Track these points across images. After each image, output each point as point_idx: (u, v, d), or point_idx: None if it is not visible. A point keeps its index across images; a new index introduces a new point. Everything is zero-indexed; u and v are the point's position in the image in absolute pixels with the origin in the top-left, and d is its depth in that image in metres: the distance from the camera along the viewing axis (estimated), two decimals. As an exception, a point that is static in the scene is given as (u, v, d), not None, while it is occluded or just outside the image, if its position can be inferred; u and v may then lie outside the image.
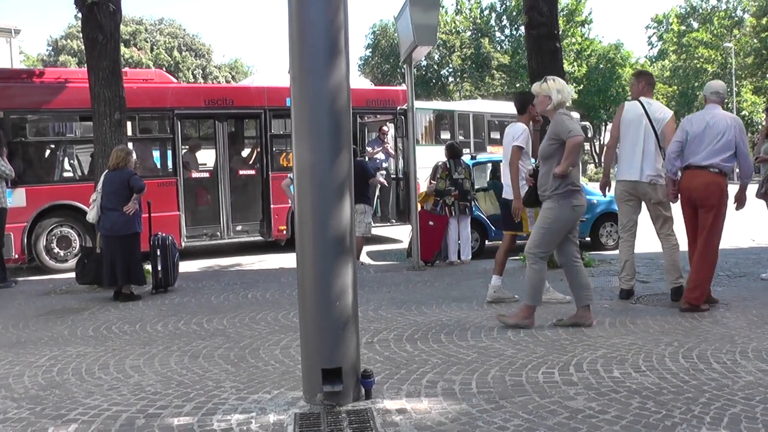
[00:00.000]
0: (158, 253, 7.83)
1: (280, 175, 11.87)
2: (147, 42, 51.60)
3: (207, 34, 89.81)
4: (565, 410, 3.49)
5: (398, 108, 12.42)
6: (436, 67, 52.37)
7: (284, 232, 11.95)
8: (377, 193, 11.42)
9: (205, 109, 11.69)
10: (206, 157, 12.68)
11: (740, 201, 6.00)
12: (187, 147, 12.03)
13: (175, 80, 13.45)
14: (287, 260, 10.44)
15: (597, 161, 57.58)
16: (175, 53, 52.06)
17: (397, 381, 4.08)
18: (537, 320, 5.61)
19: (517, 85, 48.06)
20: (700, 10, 55.48)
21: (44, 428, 3.53)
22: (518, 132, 6.30)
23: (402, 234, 12.96)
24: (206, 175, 12.14)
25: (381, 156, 12.82)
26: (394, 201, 13.06)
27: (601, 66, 54.14)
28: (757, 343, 4.66)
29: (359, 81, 17.56)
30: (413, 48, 8.73)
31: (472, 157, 11.70)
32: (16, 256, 10.25)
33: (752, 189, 6.27)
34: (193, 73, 51.97)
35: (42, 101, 10.69)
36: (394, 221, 13.06)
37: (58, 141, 11.33)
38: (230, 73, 55.86)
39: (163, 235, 8.05)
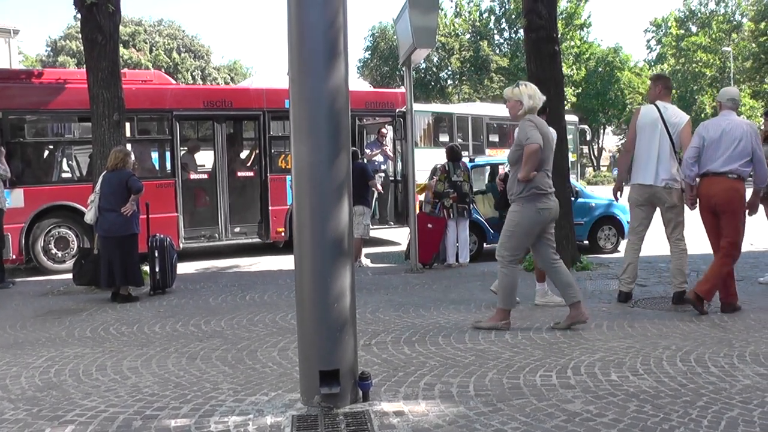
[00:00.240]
0: (156, 254, 7.82)
1: (279, 177, 11.90)
2: (146, 43, 51.59)
3: (206, 36, 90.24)
4: (562, 413, 3.49)
5: (397, 110, 12.44)
6: (435, 69, 52.42)
7: (282, 233, 11.95)
8: (375, 195, 11.41)
9: (204, 110, 11.69)
10: (205, 158, 12.68)
11: (753, 206, 6.05)
12: (185, 148, 12.02)
13: (173, 81, 13.46)
14: (285, 262, 10.43)
15: (595, 164, 57.69)
16: (174, 54, 52.06)
17: (394, 383, 4.08)
18: (535, 323, 5.62)
19: (516, 88, 48.05)
20: (699, 14, 55.63)
21: (41, 429, 3.52)
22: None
23: (400, 236, 12.97)
24: (205, 176, 12.14)
25: (379, 158, 12.84)
26: (393, 203, 13.07)
27: (600, 69, 54.26)
28: (754, 347, 4.67)
29: (358, 83, 17.56)
30: (412, 50, 8.74)
31: (471, 160, 11.70)
32: (14, 257, 10.23)
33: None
34: (192, 75, 51.98)
35: (41, 102, 10.68)
36: (392, 223, 13.07)
37: (57, 142, 11.32)
38: (229, 74, 55.87)
39: (161, 236, 8.04)
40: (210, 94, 12.66)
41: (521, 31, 32.29)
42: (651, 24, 60.66)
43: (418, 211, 9.70)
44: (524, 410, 3.55)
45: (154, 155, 12.14)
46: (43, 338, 5.73)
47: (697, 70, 51.75)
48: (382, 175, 12.74)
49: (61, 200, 10.58)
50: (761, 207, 7.52)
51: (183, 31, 55.51)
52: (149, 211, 8.35)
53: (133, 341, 5.51)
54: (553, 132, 5.97)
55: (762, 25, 40.05)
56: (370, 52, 56.14)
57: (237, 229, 12.01)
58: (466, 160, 10.77)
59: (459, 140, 19.27)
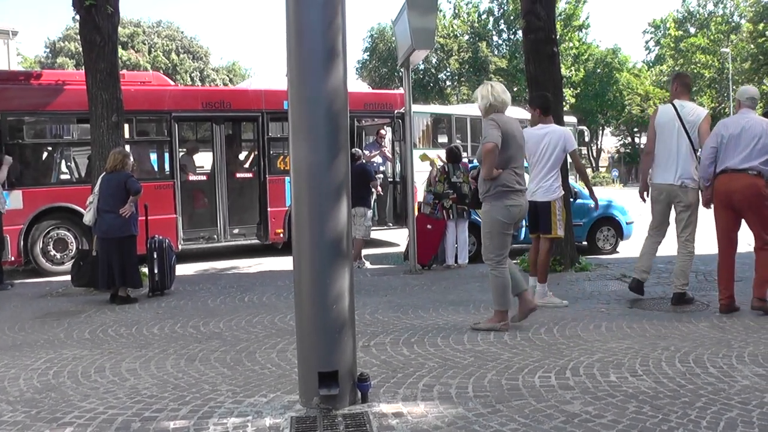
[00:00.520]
0: (155, 255, 7.81)
1: (278, 178, 11.90)
2: (145, 44, 51.55)
3: (205, 37, 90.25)
4: (561, 414, 3.49)
5: (396, 111, 12.44)
6: (433, 70, 52.46)
7: (281, 235, 11.95)
8: (374, 196, 11.43)
9: (203, 111, 11.69)
10: (203, 159, 12.67)
11: None
12: (184, 150, 12.02)
13: (172, 83, 13.45)
14: (284, 263, 10.43)
15: (594, 166, 57.72)
16: (173, 56, 52.02)
17: (393, 385, 4.08)
18: (534, 324, 5.62)
19: (515, 89, 48.14)
20: (697, 16, 55.68)
21: (39, 431, 3.52)
22: (570, 135, 6.40)
23: (399, 237, 12.96)
24: (203, 177, 12.13)
25: (378, 159, 12.83)
26: (392, 204, 13.07)
27: (599, 70, 54.33)
28: (753, 348, 4.67)
29: (357, 84, 17.53)
30: (411, 52, 8.75)
31: (470, 161, 11.70)
32: (13, 259, 10.22)
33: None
34: (190, 76, 51.94)
35: (39, 103, 10.68)
36: (391, 224, 13.07)
37: (56, 143, 11.32)
38: (228, 75, 55.83)
39: (160, 237, 8.04)
40: (209, 95, 12.67)
41: (520, 32, 32.36)
42: (650, 25, 60.79)
43: (417, 212, 9.70)
44: (523, 411, 3.55)
45: (153, 156, 12.14)
46: (42, 340, 5.72)
47: (695, 71, 51.76)
48: (381, 176, 12.74)
49: (60, 202, 10.57)
50: None
51: (182, 33, 55.46)
52: (148, 212, 8.35)
53: (132, 343, 5.50)
54: (552, 131, 6.01)
55: (760, 27, 40.06)
56: (368, 53, 56.15)
57: (236, 231, 12.00)
58: (465, 160, 10.76)
59: (458, 141, 19.27)
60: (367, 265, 10.22)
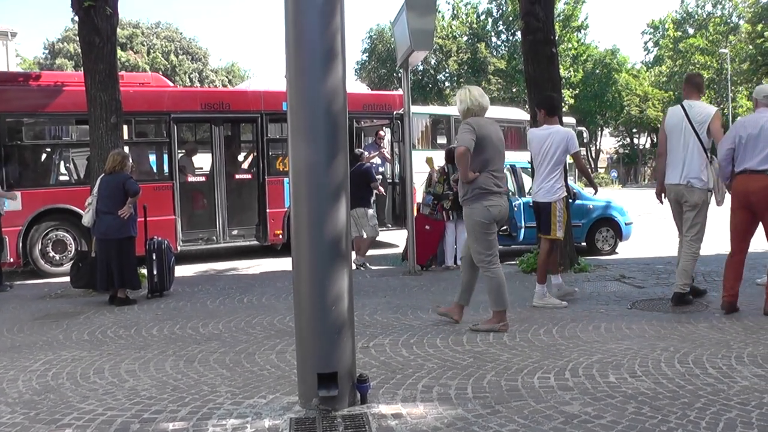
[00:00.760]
0: (154, 257, 7.81)
1: (277, 179, 11.90)
2: (144, 45, 51.55)
3: (204, 38, 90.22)
4: (560, 415, 3.49)
5: (395, 112, 12.45)
6: (432, 71, 52.46)
7: (280, 236, 11.95)
8: (373, 198, 11.44)
9: (202, 112, 11.70)
10: (202, 161, 12.67)
11: None
12: (183, 151, 12.02)
13: (171, 84, 13.46)
14: (283, 264, 10.43)
15: (593, 166, 57.73)
16: (172, 57, 52.02)
17: (392, 386, 4.08)
18: (533, 325, 5.62)
19: (514, 90, 48.18)
20: (696, 16, 55.73)
21: (38, 433, 3.52)
22: (573, 137, 6.40)
23: (398, 238, 12.96)
24: (202, 179, 12.13)
25: (377, 160, 12.83)
26: (391, 205, 13.07)
27: (598, 71, 54.34)
28: (752, 348, 4.67)
29: (356, 85, 17.53)
30: (410, 53, 8.75)
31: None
32: (12, 260, 10.21)
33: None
34: (189, 77, 51.95)
35: (38, 104, 10.68)
36: (390, 226, 13.08)
37: (54, 144, 11.31)
38: (227, 77, 55.85)
39: (159, 239, 8.04)
40: (208, 96, 12.66)
41: (518, 33, 32.38)
42: (648, 26, 60.80)
43: (416, 212, 9.70)
44: (522, 412, 3.55)
45: (152, 158, 12.14)
46: (41, 341, 5.72)
47: (694, 71, 51.79)
48: (380, 177, 12.74)
49: (59, 203, 10.56)
50: None
51: (180, 34, 55.46)
52: (147, 213, 8.34)
53: (131, 344, 5.50)
54: (555, 132, 6.04)
55: (759, 27, 40.08)
56: (367, 54, 56.15)
57: (235, 232, 12.01)
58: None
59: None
60: (367, 265, 10.22)
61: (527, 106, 12.11)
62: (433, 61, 50.87)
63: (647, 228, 14.72)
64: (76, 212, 10.07)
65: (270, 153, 12.10)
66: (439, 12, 47.70)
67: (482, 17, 52.36)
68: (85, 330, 6.13)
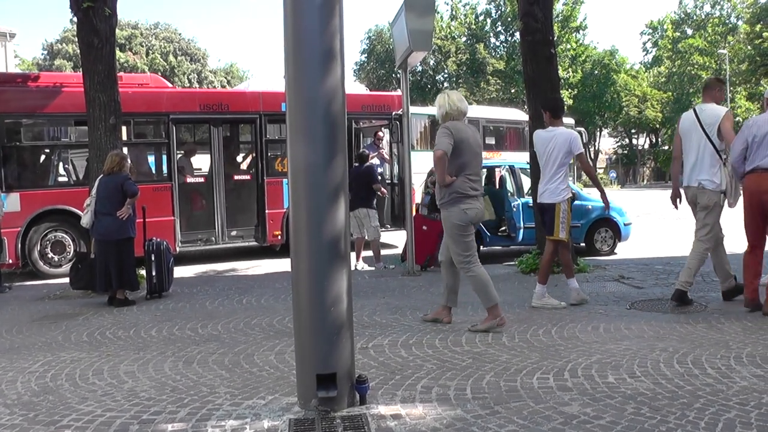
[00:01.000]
0: (153, 258, 7.81)
1: (276, 180, 11.91)
2: (142, 46, 51.58)
3: (202, 39, 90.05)
4: (560, 416, 3.49)
5: (393, 113, 12.45)
6: (431, 72, 52.51)
7: (279, 237, 11.95)
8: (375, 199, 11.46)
9: (201, 113, 11.70)
10: (201, 162, 12.67)
11: None
12: (182, 152, 12.02)
13: (170, 85, 13.46)
14: (282, 265, 10.43)
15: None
16: (171, 58, 52.05)
17: (391, 386, 4.08)
18: (532, 325, 5.62)
19: (512, 90, 48.22)
20: (694, 17, 55.79)
21: (37, 434, 3.51)
22: (576, 138, 6.41)
23: (397, 239, 12.96)
24: (201, 180, 12.13)
25: (376, 161, 12.83)
26: (389, 206, 13.07)
27: (596, 72, 54.40)
28: (751, 349, 4.67)
29: (354, 86, 17.54)
30: (408, 53, 8.75)
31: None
32: (11, 261, 10.20)
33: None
34: (188, 78, 51.97)
35: (37, 105, 10.68)
36: (389, 226, 13.07)
37: (53, 145, 11.30)
38: (226, 77, 55.89)
39: (158, 240, 8.04)
40: (206, 97, 12.66)
41: (517, 34, 32.40)
42: (647, 26, 60.90)
43: (414, 213, 9.70)
44: (521, 413, 3.55)
45: (151, 159, 12.13)
46: (40, 343, 5.71)
47: (693, 72, 51.87)
48: (379, 178, 12.75)
49: (58, 204, 10.56)
50: None
51: (179, 35, 55.51)
52: (146, 214, 8.34)
53: (130, 345, 5.49)
54: (559, 134, 6.07)
55: (757, 28, 40.15)
56: (366, 55, 56.21)
57: (234, 233, 12.01)
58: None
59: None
60: (365, 266, 10.22)
61: (526, 107, 12.10)
62: (431, 62, 50.94)
63: (646, 228, 14.74)
64: (75, 213, 10.07)
65: (269, 154, 12.10)
66: (438, 13, 47.74)
67: (481, 18, 52.45)
68: (84, 331, 6.13)
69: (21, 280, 10.18)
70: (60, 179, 11.28)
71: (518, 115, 22.92)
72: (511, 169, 11.40)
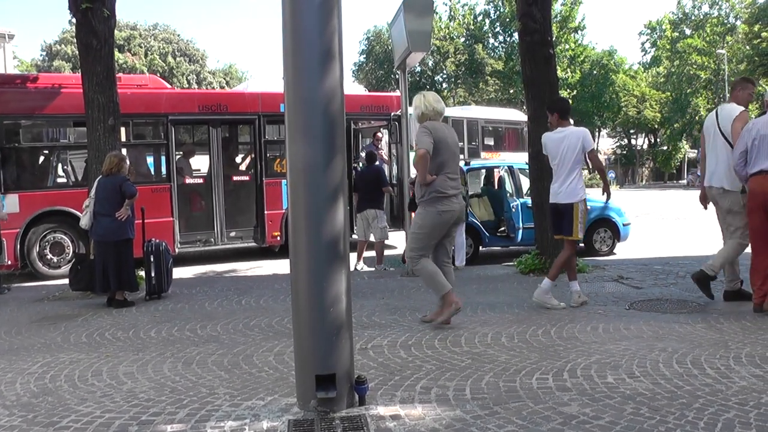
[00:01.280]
0: (152, 259, 7.81)
1: (275, 181, 11.91)
2: (141, 47, 51.57)
3: (201, 40, 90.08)
4: (559, 416, 3.49)
5: (392, 114, 12.45)
6: (430, 73, 52.51)
7: (278, 238, 11.95)
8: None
9: (199, 114, 11.70)
10: (200, 162, 12.68)
11: None
12: (181, 153, 12.03)
13: (169, 86, 13.46)
14: (281, 266, 10.43)
15: (591, 167, 57.76)
16: (170, 59, 52.04)
17: (391, 387, 4.08)
18: (530, 326, 5.62)
19: (511, 91, 48.22)
20: (693, 17, 55.83)
21: (36, 436, 3.51)
22: (587, 134, 6.45)
23: (398, 241, 12.96)
24: (200, 180, 12.14)
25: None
26: (389, 207, 13.07)
27: (595, 72, 54.41)
28: (750, 349, 4.67)
29: (353, 87, 17.59)
30: (407, 54, 8.76)
31: (466, 163, 11.73)
32: (10, 262, 10.20)
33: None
34: (187, 79, 51.96)
35: (36, 106, 10.68)
36: (388, 227, 13.06)
37: (52, 146, 11.30)
38: (224, 78, 55.87)
39: (157, 241, 8.03)
40: (205, 98, 12.67)
41: (516, 34, 32.41)
42: (645, 27, 60.94)
43: (413, 213, 9.69)
44: (521, 413, 3.55)
45: (150, 160, 12.14)
46: (39, 344, 5.71)
47: (691, 72, 51.92)
48: (387, 179, 12.76)
49: (57, 205, 10.56)
50: None
51: (178, 36, 55.51)
52: (145, 215, 8.34)
53: (129, 346, 5.49)
54: (570, 133, 6.12)
55: (756, 28, 40.18)
56: (365, 55, 56.22)
57: (233, 234, 12.02)
58: (461, 164, 10.77)
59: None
60: (365, 267, 10.23)
61: (524, 107, 12.11)
62: (430, 63, 50.95)
63: (645, 229, 14.75)
64: (73, 214, 10.07)
65: (267, 154, 12.11)
66: (437, 13, 47.74)
67: (479, 18, 52.45)
68: (83, 332, 6.12)
69: (20, 282, 10.17)
70: (59, 180, 11.28)
71: (517, 115, 22.94)
72: (510, 170, 11.40)
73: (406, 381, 4.19)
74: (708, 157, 6.32)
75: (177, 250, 11.27)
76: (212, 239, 11.81)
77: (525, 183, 10.68)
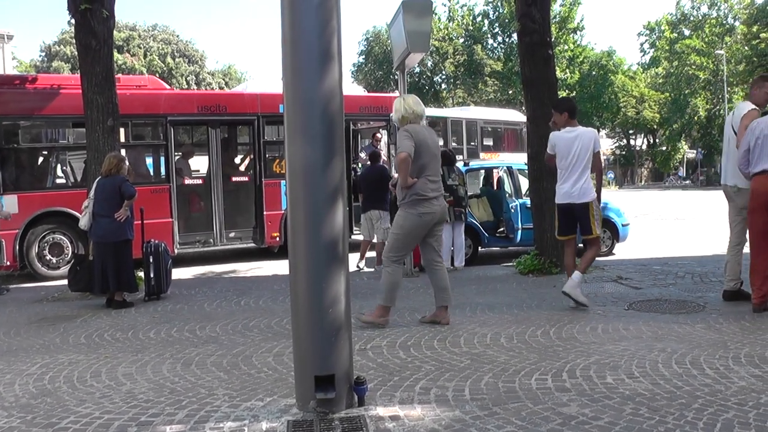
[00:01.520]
0: (151, 260, 7.81)
1: (274, 182, 11.91)
2: (140, 48, 51.54)
3: (200, 41, 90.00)
4: (558, 417, 3.49)
5: (391, 115, 12.44)
6: (429, 73, 52.52)
7: (277, 238, 11.95)
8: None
9: (199, 115, 11.70)
10: (199, 163, 12.68)
11: None
12: (180, 153, 12.02)
13: (168, 86, 13.47)
14: (280, 267, 10.42)
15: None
16: (169, 59, 52.01)
17: (390, 388, 4.08)
18: (529, 326, 5.62)
19: (510, 91, 48.25)
20: (692, 18, 55.87)
21: (35, 437, 3.51)
22: (598, 136, 6.47)
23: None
24: (199, 181, 12.13)
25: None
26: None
27: (594, 73, 54.43)
28: (749, 349, 4.67)
29: (352, 87, 17.59)
30: (406, 55, 8.75)
31: (465, 164, 11.73)
32: (8, 263, 10.19)
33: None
34: (186, 80, 51.95)
35: (35, 107, 10.67)
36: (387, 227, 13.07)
37: (51, 147, 11.29)
38: (223, 79, 55.86)
39: (156, 242, 8.03)
40: (204, 99, 12.67)
41: (515, 35, 32.42)
42: (644, 27, 60.95)
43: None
44: (520, 414, 3.55)
45: (149, 160, 12.14)
46: (38, 345, 5.70)
47: (690, 73, 51.95)
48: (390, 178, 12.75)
49: (56, 206, 10.55)
50: None
51: (177, 36, 55.49)
52: (144, 216, 8.33)
53: (128, 347, 5.49)
54: (582, 133, 6.21)
55: (754, 29, 40.23)
56: (364, 56, 56.20)
57: (232, 234, 12.01)
58: (460, 164, 10.79)
59: (453, 144, 19.30)
60: (365, 268, 10.22)
61: (523, 108, 12.12)
62: (429, 63, 50.96)
63: (644, 229, 14.75)
64: (73, 215, 10.06)
65: (267, 155, 12.11)
66: (436, 14, 47.75)
67: (478, 19, 52.48)
68: (82, 333, 6.12)
69: (19, 282, 10.17)
70: (58, 181, 11.27)
71: (516, 116, 22.94)
72: (509, 170, 11.40)
73: (405, 381, 4.19)
74: (723, 155, 6.40)
75: (176, 251, 11.27)
76: (211, 240, 11.81)
77: (524, 183, 10.68)
